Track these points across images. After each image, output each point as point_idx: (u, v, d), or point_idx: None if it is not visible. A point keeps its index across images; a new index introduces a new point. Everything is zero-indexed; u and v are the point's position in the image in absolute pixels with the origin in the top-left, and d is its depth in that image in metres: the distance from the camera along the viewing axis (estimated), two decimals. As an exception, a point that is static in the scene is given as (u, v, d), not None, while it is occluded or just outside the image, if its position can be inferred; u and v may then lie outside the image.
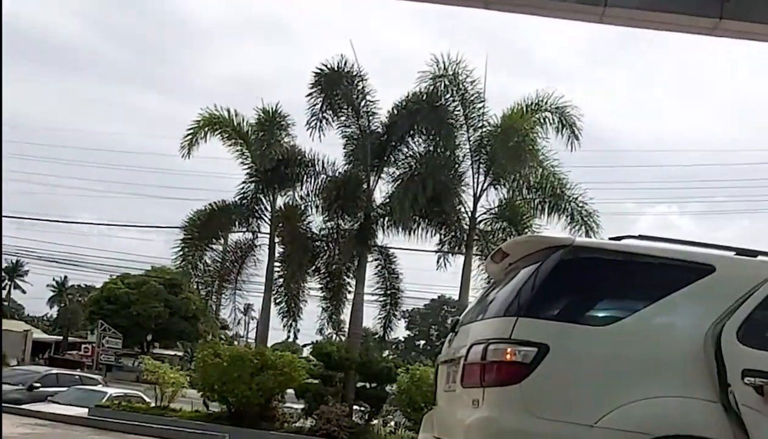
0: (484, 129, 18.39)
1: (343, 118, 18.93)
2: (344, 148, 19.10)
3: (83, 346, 51.79)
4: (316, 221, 19.33)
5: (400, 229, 18.27)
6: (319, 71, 18.45)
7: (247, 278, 19.96)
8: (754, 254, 5.00)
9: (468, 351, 4.75)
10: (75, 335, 62.34)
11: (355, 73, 18.53)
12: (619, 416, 4.28)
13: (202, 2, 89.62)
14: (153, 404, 18.47)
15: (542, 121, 18.17)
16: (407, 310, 53.94)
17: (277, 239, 19.33)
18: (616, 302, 4.84)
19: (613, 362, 4.47)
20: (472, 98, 18.24)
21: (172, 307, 51.23)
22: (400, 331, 60.39)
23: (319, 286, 19.57)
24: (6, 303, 67.88)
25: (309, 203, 19.30)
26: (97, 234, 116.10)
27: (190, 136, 19.23)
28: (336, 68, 18.40)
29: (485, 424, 4.49)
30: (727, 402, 4.33)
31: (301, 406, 17.74)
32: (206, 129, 19.38)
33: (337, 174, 18.97)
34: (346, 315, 19.29)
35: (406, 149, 18.78)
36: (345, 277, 19.36)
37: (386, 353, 31.96)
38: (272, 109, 19.44)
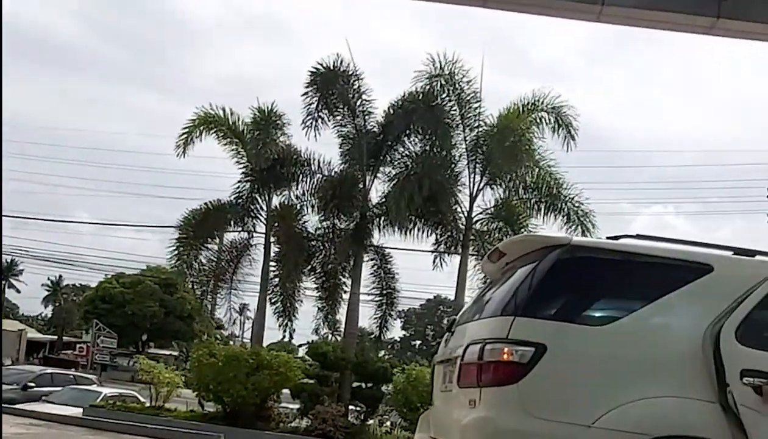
0: (480, 129, 18.39)
1: (339, 118, 18.94)
2: (340, 148, 19.14)
3: (78, 345, 51.76)
4: (311, 220, 19.39)
5: (396, 228, 18.28)
6: (314, 70, 18.44)
7: (242, 278, 20.03)
8: (752, 253, 4.97)
9: (465, 351, 4.71)
10: (70, 335, 62.27)
11: (351, 73, 18.54)
12: (616, 417, 4.25)
13: (201, 2, 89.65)
14: (148, 404, 18.41)
15: (538, 121, 18.19)
16: (403, 310, 53.95)
17: (272, 239, 19.32)
18: (613, 301, 4.80)
19: (610, 361, 4.43)
20: (468, 98, 18.26)
21: (168, 306, 51.19)
22: (395, 331, 60.63)
23: (315, 286, 19.61)
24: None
25: (305, 203, 19.35)
26: (92, 233, 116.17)
27: (185, 136, 19.21)
28: (332, 67, 18.39)
29: (482, 424, 4.45)
30: (725, 402, 4.31)
31: (297, 406, 17.75)
32: (201, 128, 19.35)
33: (332, 173, 18.96)
34: (341, 315, 19.31)
35: (402, 149, 18.81)
36: (341, 277, 19.39)
37: (382, 353, 31.90)
38: (268, 108, 19.39)
